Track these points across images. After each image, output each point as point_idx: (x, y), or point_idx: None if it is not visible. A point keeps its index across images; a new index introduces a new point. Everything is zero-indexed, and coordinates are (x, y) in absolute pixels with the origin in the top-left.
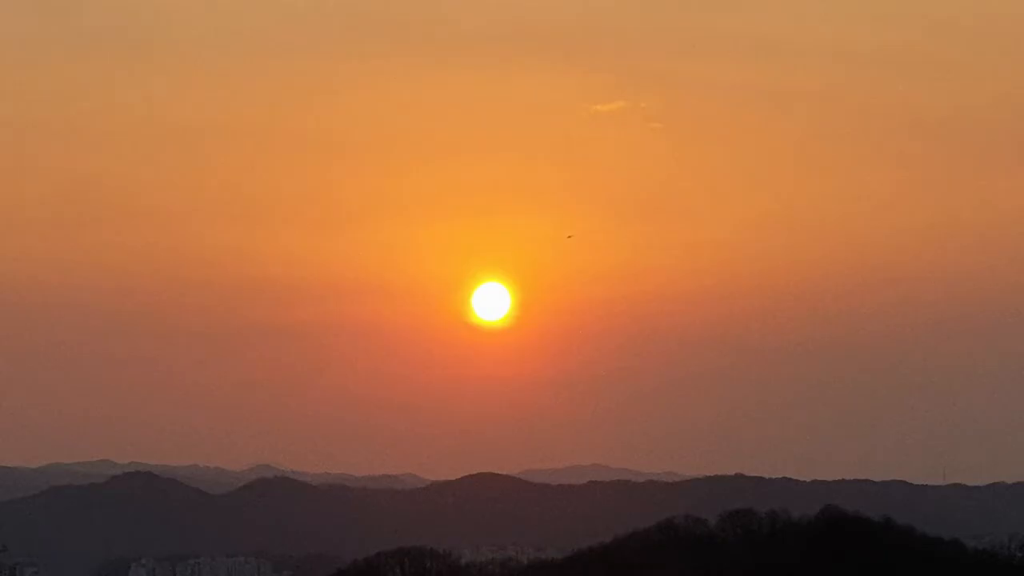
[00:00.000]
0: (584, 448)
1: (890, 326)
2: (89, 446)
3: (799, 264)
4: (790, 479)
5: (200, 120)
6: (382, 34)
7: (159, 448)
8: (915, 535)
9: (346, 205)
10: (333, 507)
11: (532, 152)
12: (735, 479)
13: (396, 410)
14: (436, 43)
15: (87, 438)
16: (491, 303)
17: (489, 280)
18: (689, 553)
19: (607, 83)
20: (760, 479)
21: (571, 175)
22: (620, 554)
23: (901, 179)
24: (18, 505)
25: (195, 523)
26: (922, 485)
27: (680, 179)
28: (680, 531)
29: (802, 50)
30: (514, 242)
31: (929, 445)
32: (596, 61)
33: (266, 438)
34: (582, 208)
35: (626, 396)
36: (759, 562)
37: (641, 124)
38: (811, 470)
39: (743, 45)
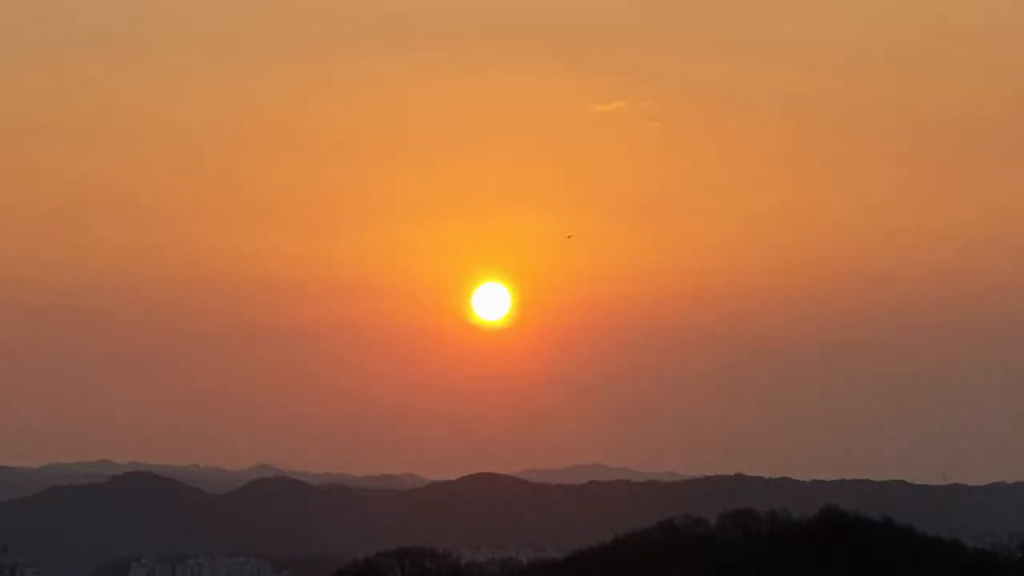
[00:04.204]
0: (584, 448)
1: (890, 326)
2: (89, 446)
3: (799, 264)
4: (790, 479)
5: (200, 120)
6: (381, 34)
7: (159, 448)
8: (915, 535)
9: (346, 205)
10: (333, 507)
11: (532, 152)
12: (735, 479)
13: (396, 410)
14: (436, 43)
15: (87, 438)
16: (491, 303)
17: (489, 280)
18: (689, 553)
19: (607, 83)
20: (760, 479)
21: (571, 175)
22: (620, 554)
23: (901, 179)
24: (18, 505)
25: (195, 523)
26: (922, 485)
27: (680, 179)
28: (680, 531)
29: (802, 50)
30: (514, 242)
31: (929, 445)
32: (596, 61)
33: (266, 438)
34: (582, 208)
35: (626, 396)
36: (759, 562)
37: (640, 124)
38: (811, 470)
39: (743, 45)
